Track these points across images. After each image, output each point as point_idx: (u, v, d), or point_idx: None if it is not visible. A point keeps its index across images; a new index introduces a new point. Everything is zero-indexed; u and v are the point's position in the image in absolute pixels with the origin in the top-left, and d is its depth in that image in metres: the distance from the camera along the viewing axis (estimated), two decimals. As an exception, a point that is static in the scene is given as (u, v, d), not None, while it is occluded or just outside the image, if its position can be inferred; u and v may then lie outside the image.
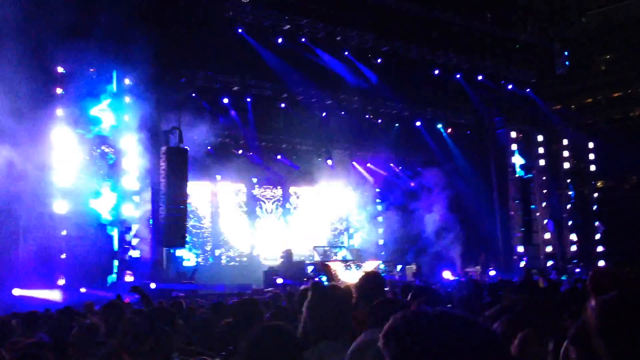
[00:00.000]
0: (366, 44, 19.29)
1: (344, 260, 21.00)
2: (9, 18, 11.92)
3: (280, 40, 17.77)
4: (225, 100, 19.04)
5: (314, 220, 23.48)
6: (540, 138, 24.04)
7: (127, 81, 16.06)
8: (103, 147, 16.34)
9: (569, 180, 24.44)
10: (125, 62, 14.96)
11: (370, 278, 4.11)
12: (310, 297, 2.89)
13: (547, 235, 23.83)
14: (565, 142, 24.18)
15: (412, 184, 23.79)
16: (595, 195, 24.22)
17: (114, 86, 16.05)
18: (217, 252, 21.45)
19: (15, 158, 12.98)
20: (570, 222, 24.12)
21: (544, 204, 24.08)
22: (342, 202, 23.80)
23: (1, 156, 12.92)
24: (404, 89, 20.07)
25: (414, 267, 21.23)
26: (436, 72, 20.70)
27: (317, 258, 21.46)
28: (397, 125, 22.46)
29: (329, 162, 22.49)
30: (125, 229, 16.57)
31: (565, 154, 24.30)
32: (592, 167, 24.13)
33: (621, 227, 22.26)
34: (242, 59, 17.51)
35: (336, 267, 20.25)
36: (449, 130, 23.34)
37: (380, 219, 24.11)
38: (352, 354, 2.38)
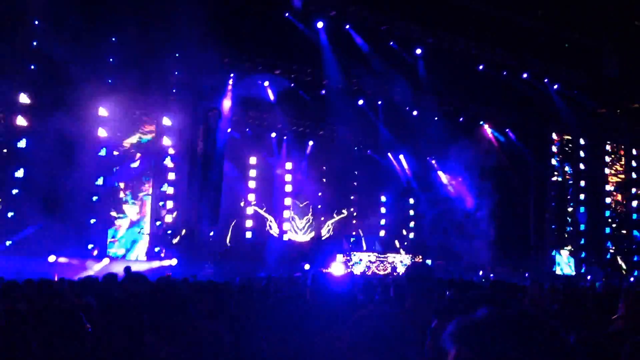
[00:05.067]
0: (412, 34, 18.98)
1: (373, 252, 20.95)
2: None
3: (321, 25, 17.59)
4: (266, 83, 19.00)
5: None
6: (582, 142, 23.50)
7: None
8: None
9: (609, 187, 23.87)
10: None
11: (417, 269, 4.02)
12: None
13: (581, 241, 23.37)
14: (608, 147, 23.58)
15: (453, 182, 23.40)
16: (635, 203, 23.63)
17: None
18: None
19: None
20: (607, 230, 23.59)
21: (581, 209, 23.58)
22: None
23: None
24: (449, 83, 19.69)
25: (442, 263, 21.08)
26: (480, 67, 20.31)
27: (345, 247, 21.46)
28: (436, 119, 22.12)
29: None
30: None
31: (607, 159, 23.71)
32: (634, 175, 23.53)
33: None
34: (288, 43, 17.42)
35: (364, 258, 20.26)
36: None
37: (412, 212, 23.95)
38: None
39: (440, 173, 23.59)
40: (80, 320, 2.94)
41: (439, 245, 21.68)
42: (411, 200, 23.87)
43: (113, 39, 15.02)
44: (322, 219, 22.80)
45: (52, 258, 14.41)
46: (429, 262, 21.26)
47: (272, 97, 19.51)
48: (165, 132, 17.11)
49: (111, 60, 15.15)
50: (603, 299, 5.72)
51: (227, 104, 18.27)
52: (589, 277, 20.59)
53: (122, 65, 14.73)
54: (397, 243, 22.11)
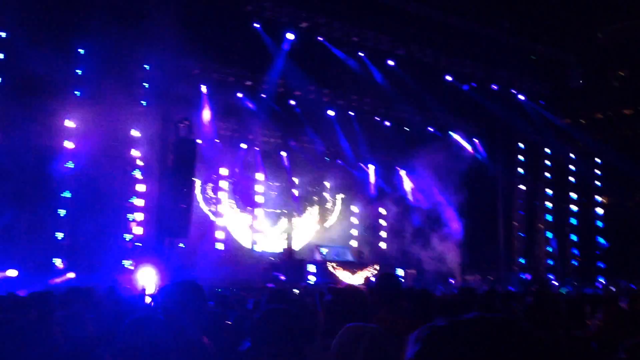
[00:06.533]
0: (382, 46, 19.20)
1: (345, 262, 20.96)
2: None
3: (293, 37, 17.65)
4: (240, 95, 18.94)
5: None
6: (547, 150, 24.01)
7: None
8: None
9: (573, 195, 24.41)
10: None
11: (387, 279, 4.00)
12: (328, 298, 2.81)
13: (549, 249, 23.83)
14: (572, 156, 24.12)
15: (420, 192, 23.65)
16: (599, 211, 24.18)
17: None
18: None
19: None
20: (573, 237, 24.10)
21: (547, 217, 24.06)
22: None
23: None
24: (417, 93, 19.95)
25: (414, 272, 21.19)
26: (449, 78, 20.62)
27: (318, 257, 21.43)
28: (407, 129, 22.36)
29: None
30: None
31: (572, 168, 24.25)
32: (598, 183, 24.10)
33: (623, 245, 22.24)
34: (257, 54, 17.42)
35: (337, 268, 20.22)
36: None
37: (382, 221, 24.05)
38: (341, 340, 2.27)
39: (407, 182, 23.85)
40: None
41: (408, 254, 21.84)
42: (382, 211, 23.99)
43: (81, 51, 14.80)
44: (294, 228, 22.76)
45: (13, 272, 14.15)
46: (401, 272, 21.42)
47: (245, 108, 19.47)
48: (134, 143, 16.87)
49: (79, 72, 14.93)
50: (572, 305, 5.89)
51: (198, 115, 18.17)
52: (556, 284, 21.02)
53: (90, 76, 14.53)
54: (365, 252, 22.18)
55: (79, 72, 14.90)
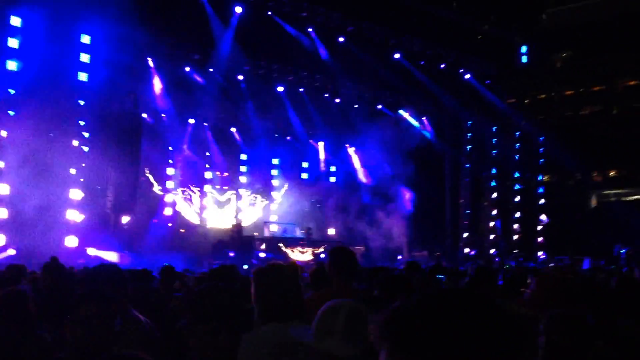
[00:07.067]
0: (331, 23, 19.13)
1: (294, 239, 21.06)
2: None
3: (241, 10, 17.39)
4: (187, 69, 18.60)
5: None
6: (494, 129, 24.55)
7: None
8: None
9: (517, 173, 25.08)
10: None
11: (342, 252, 3.83)
12: (254, 277, 2.79)
13: (492, 224, 24.46)
14: (516, 135, 24.73)
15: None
16: (541, 189, 24.96)
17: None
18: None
19: None
20: (516, 214, 24.81)
21: (492, 195, 24.68)
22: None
23: None
24: (367, 70, 20.01)
25: (362, 248, 21.45)
26: (397, 55, 20.72)
27: (267, 234, 21.45)
28: (356, 106, 22.43)
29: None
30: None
31: (516, 146, 24.88)
32: (541, 161, 24.82)
33: (563, 221, 23.06)
34: (205, 27, 17.09)
35: (287, 246, 20.31)
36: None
37: (330, 198, 24.20)
38: (322, 314, 2.30)
39: (356, 159, 24.05)
40: None
41: (355, 230, 22.07)
42: (330, 187, 24.13)
43: (18, 20, 14.19)
44: (243, 204, 22.68)
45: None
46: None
47: (193, 82, 19.14)
48: (81, 115, 16.32)
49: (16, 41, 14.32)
50: (511, 278, 6.14)
51: (145, 88, 17.76)
52: (496, 260, 21.67)
53: (30, 46, 13.97)
54: (312, 228, 22.29)
55: (16, 41, 14.25)
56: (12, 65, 14.59)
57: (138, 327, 2.99)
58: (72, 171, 16.23)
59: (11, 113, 15.07)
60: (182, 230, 20.75)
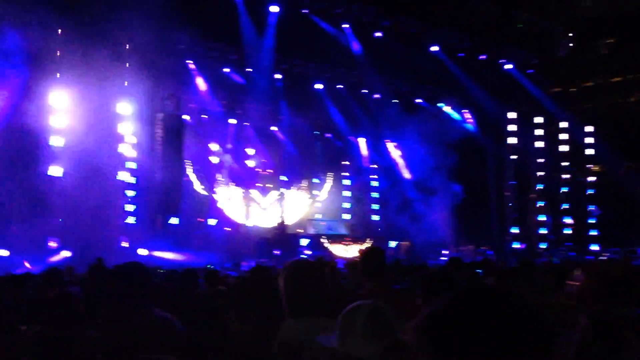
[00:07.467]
0: (367, 18, 19.16)
1: (338, 236, 21.18)
2: None
3: (277, 9, 17.63)
4: (227, 70, 18.98)
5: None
6: (538, 120, 24.01)
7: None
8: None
9: (565, 164, 24.43)
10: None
11: (372, 254, 4.02)
12: (282, 272, 2.89)
13: (542, 218, 23.89)
14: (563, 125, 24.11)
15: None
16: (591, 179, 24.23)
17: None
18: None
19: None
20: (565, 206, 24.16)
21: (539, 187, 24.12)
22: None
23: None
24: (404, 65, 19.94)
25: (407, 243, 21.38)
26: (435, 48, 20.55)
27: (311, 231, 21.64)
28: (395, 101, 22.36)
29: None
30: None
31: (563, 137, 24.25)
32: (589, 151, 24.11)
33: (615, 212, 22.31)
34: (240, 31, 17.44)
35: (331, 243, 20.44)
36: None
37: (374, 194, 24.21)
38: (343, 316, 2.36)
39: (396, 154, 23.95)
40: None
41: (401, 226, 21.98)
42: (373, 183, 24.14)
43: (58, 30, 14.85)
44: (286, 203, 22.92)
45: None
46: (393, 244, 21.61)
47: (232, 82, 19.52)
48: (122, 120, 16.94)
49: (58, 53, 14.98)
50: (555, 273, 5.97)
51: (185, 90, 18.23)
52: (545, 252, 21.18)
53: (72, 56, 14.59)
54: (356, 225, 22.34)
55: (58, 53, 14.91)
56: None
57: (162, 325, 3.08)
58: (123, 174, 16.87)
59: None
60: (227, 229, 21.14)
